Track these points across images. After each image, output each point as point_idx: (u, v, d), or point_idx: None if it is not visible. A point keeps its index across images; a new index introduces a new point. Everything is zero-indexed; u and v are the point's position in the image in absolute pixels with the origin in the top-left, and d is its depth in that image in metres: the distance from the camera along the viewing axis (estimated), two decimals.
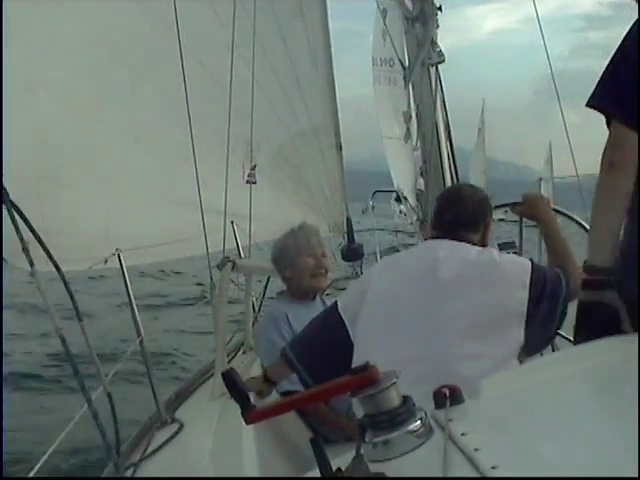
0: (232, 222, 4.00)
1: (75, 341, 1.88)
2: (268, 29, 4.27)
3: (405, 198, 7.53)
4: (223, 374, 1.25)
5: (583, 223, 3.22)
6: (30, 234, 1.89)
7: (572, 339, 1.76)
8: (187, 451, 2.55)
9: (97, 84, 3.48)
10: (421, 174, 5.45)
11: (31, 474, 2.04)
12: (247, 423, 1.21)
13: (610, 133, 1.64)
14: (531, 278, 1.99)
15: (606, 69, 1.65)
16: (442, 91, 4.42)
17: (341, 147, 5.09)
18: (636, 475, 0.87)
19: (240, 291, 3.72)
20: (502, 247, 3.74)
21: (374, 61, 8.08)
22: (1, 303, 2.66)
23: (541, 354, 2.17)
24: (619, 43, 1.65)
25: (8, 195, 1.75)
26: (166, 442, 2.57)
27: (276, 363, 2.34)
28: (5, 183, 1.74)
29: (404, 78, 4.56)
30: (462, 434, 1.02)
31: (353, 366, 1.08)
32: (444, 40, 4.39)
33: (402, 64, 4.69)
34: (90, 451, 4.51)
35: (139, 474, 2.34)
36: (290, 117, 4.74)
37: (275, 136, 4.68)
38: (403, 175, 7.73)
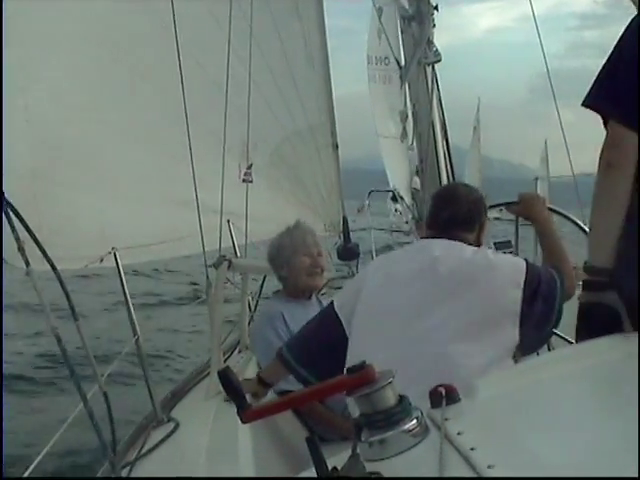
0: (228, 221, 4.00)
1: (69, 340, 1.88)
2: (265, 29, 4.27)
3: (401, 197, 7.54)
4: (219, 373, 1.24)
5: (579, 222, 3.22)
6: (26, 233, 1.88)
7: (568, 338, 1.77)
8: (183, 450, 2.54)
9: (93, 84, 3.46)
10: (417, 173, 5.46)
11: (26, 474, 2.03)
12: (243, 422, 1.21)
13: (607, 133, 1.64)
14: (525, 278, 1.99)
15: (602, 68, 1.65)
16: (438, 90, 4.42)
17: (337, 146, 5.10)
18: (636, 475, 0.86)
19: (236, 290, 3.72)
20: (498, 246, 3.75)
21: (369, 59, 8.06)
22: (1, 303, 2.65)
23: (537, 353, 2.18)
24: (615, 42, 1.65)
25: (4, 194, 1.74)
26: (162, 441, 2.56)
27: (272, 364, 2.34)
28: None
29: (400, 77, 4.57)
30: (458, 433, 1.02)
31: (348, 365, 1.08)
32: (440, 38, 4.40)
33: (398, 63, 4.69)
34: (85, 451, 4.49)
35: (135, 473, 2.34)
36: (286, 117, 4.75)
37: (272, 135, 4.69)
38: (399, 174, 7.73)
